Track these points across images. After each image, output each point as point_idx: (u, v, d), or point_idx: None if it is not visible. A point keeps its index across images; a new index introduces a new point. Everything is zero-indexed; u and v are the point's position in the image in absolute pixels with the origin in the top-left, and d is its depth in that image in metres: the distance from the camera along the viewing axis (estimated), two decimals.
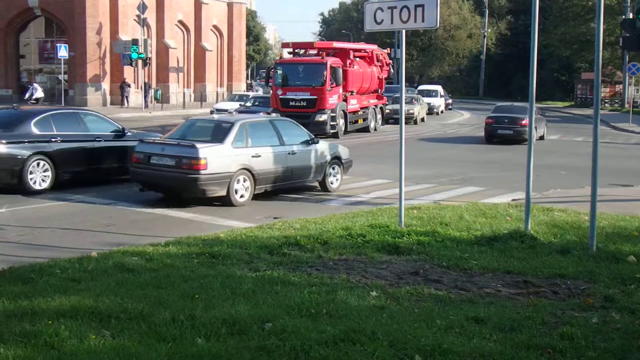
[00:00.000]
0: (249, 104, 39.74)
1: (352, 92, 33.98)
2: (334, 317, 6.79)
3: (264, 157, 15.38)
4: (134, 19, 50.06)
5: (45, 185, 15.64)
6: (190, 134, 15.62)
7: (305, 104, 31.34)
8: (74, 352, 5.75)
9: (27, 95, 41.11)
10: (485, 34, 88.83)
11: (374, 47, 39.32)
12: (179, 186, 14.59)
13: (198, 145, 14.39)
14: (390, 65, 41.93)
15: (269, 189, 15.81)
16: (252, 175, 15.06)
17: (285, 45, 37.60)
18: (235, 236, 10.84)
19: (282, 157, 15.84)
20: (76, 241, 11.08)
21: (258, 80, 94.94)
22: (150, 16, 52.44)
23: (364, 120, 35.98)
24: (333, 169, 17.20)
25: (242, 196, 14.88)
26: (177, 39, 58.24)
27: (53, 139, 15.92)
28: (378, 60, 38.08)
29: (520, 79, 72.13)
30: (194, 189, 14.33)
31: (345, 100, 33.10)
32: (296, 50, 34.79)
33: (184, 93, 56.28)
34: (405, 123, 13.12)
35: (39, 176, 15.57)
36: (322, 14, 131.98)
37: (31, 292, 7.50)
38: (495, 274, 8.85)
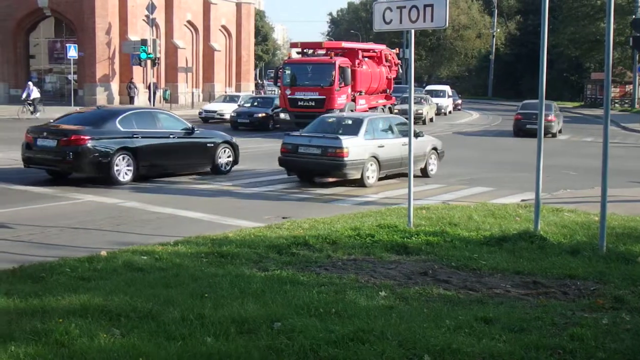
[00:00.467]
0: (247, 104, 39.36)
1: (360, 92, 33.98)
2: (343, 316, 6.79)
3: (386, 147, 18.28)
4: (143, 19, 50.13)
5: (128, 177, 17.10)
6: (323, 129, 18.50)
7: (313, 104, 31.36)
8: (84, 351, 5.77)
9: (23, 96, 40.87)
10: (495, 34, 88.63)
11: (383, 47, 39.31)
12: (325, 170, 17.80)
13: (341, 137, 17.36)
14: (399, 65, 41.91)
15: (388, 174, 18.69)
16: (378, 162, 18.02)
17: (293, 45, 37.64)
18: (244, 236, 10.85)
19: (398, 147, 18.40)
20: (86, 240, 11.11)
21: (267, 80, 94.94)
22: (159, 16, 52.49)
23: None
24: (432, 158, 20.11)
25: (370, 178, 17.80)
26: (186, 39, 58.30)
27: (135, 136, 17.36)
28: (387, 60, 38.07)
29: (529, 79, 71.95)
30: (338, 172, 17.49)
31: (353, 100, 33.11)
32: (305, 50, 34.82)
33: (192, 93, 56.33)
34: (414, 123, 13.12)
35: (124, 169, 17.02)
36: (330, 14, 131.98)
37: (41, 290, 7.53)
38: (504, 275, 8.84)
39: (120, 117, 17.51)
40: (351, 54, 34.08)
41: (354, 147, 17.32)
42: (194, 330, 6.30)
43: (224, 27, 64.05)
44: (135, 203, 14.62)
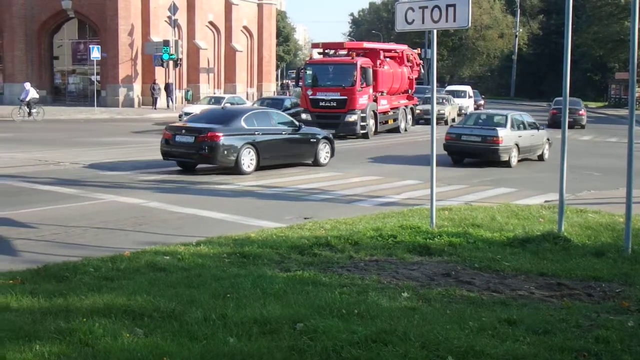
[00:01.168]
0: (257, 104, 37.91)
1: (382, 92, 33.90)
2: (366, 317, 6.77)
3: (523, 137, 23.68)
4: (165, 20, 50.41)
5: (251, 168, 19.72)
6: (476, 122, 24.40)
7: (335, 104, 31.32)
8: (108, 350, 5.79)
9: (22, 97, 39.49)
10: (517, 33, 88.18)
11: (405, 47, 39.18)
12: (482, 154, 22.93)
13: (497, 128, 22.72)
14: (421, 66, 41.76)
15: (522, 158, 23.61)
16: (518, 148, 23.21)
17: (315, 45, 37.54)
18: (266, 236, 10.86)
19: (529, 137, 24.15)
20: (109, 240, 11.16)
21: (291, 81, 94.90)
22: (181, 17, 52.74)
23: (394, 120, 35.89)
24: (547, 146, 25.52)
25: (513, 161, 23.03)
26: (208, 40, 58.52)
27: (256, 132, 20.03)
28: (408, 61, 37.97)
29: (552, 79, 71.53)
30: (494, 155, 22.60)
31: (375, 100, 33.04)
32: (326, 51, 34.76)
33: (214, 93, 56.54)
34: (436, 123, 13.07)
35: (248, 161, 19.60)
36: (352, 14, 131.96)
37: (65, 290, 7.57)
38: (528, 276, 8.78)
39: (244, 116, 20.30)
40: (373, 54, 33.99)
41: (505, 136, 22.62)
42: (216, 331, 6.31)
43: (245, 27, 64.24)
44: (158, 203, 14.68)
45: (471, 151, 23.17)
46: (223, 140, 19.10)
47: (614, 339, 6.23)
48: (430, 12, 11.37)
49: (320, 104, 31.62)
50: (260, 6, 65.98)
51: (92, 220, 12.75)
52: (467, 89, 57.06)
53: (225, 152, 19.15)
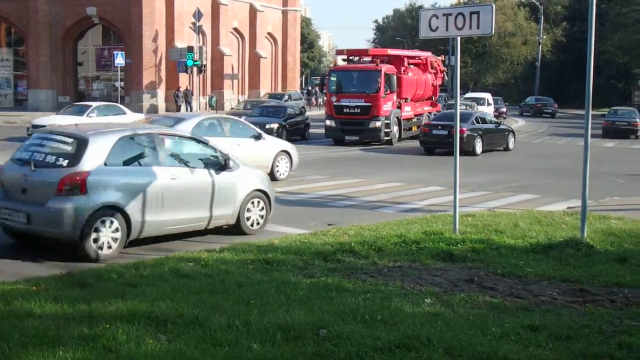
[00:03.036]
0: (255, 114, 33.40)
1: (406, 99, 33.87)
2: (389, 323, 6.78)
3: None
4: (190, 27, 50.60)
5: (479, 151, 28.16)
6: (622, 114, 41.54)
7: (359, 111, 31.30)
8: (131, 356, 5.84)
9: None
10: (541, 40, 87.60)
11: (428, 54, 39.14)
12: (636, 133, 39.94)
13: None
14: (445, 72, 41.72)
15: None
16: None
17: (339, 52, 37.54)
18: (290, 242, 10.89)
19: None
20: (132, 246, 11.22)
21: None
22: (206, 24, 52.93)
23: (418, 127, 35.74)
24: None
25: None
26: (232, 46, 58.71)
27: (481, 128, 28.36)
28: (432, 67, 37.91)
29: (576, 86, 70.90)
30: None
31: (399, 107, 33.01)
32: (350, 58, 34.77)
33: (238, 100, 56.66)
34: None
35: (478, 146, 28.01)
36: (376, 21, 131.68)
37: (89, 296, 7.64)
38: (551, 282, 8.76)
39: (474, 116, 29.29)
40: (397, 61, 33.96)
41: None
42: (240, 337, 6.34)
43: (269, 34, 64.41)
44: None
45: (622, 132, 39.78)
46: (467, 132, 27.24)
47: (637, 345, 6.21)
48: (454, 20, 11.39)
49: (345, 110, 31.61)
50: (284, 13, 66.14)
51: None
52: (487, 96, 56.51)
53: (468, 141, 27.00)
